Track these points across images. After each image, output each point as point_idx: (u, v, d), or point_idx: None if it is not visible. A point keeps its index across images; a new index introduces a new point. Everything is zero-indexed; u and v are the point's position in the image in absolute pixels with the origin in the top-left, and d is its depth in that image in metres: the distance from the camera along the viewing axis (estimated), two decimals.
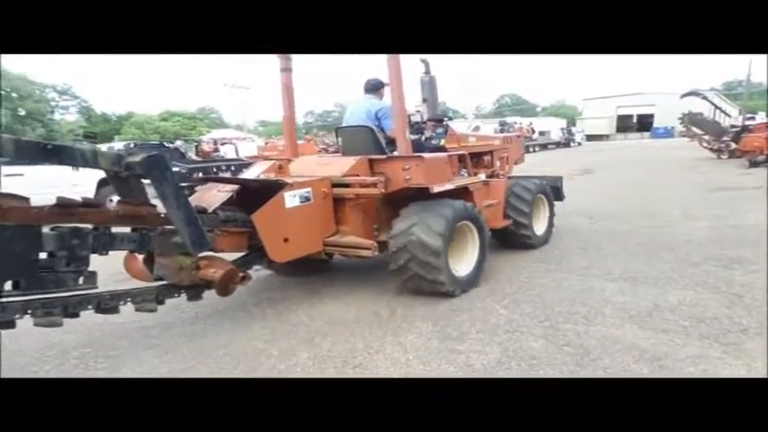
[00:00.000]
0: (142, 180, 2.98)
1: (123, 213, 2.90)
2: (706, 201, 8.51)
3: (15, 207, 2.43)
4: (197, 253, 3.13)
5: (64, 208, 2.63)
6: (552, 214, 5.91)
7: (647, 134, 52.36)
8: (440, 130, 4.89)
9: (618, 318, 3.41)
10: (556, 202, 6.04)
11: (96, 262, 2.80)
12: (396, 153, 4.30)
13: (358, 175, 4.02)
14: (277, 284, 4.49)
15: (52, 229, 2.60)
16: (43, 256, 2.57)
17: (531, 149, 29.06)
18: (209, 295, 3.63)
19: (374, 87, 4.80)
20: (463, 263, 4.18)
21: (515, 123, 34.52)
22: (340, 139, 4.92)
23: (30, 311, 2.53)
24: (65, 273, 2.61)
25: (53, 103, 47.56)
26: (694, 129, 19.11)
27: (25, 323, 2.56)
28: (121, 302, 2.96)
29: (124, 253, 3.13)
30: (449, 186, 4.12)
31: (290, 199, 3.64)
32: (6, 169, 7.45)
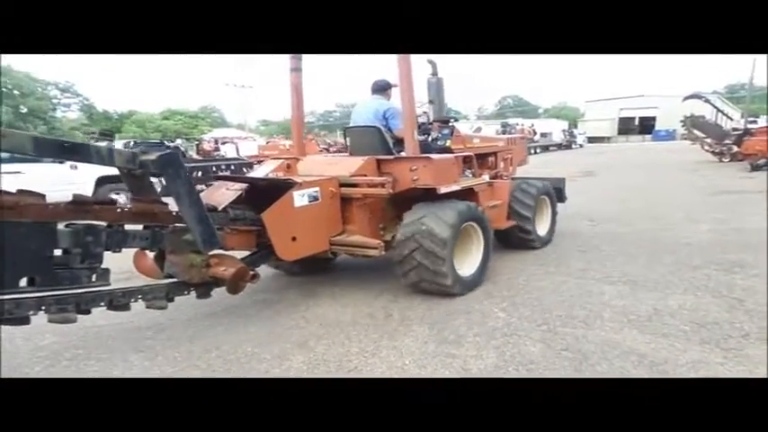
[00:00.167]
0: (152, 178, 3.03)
1: (136, 211, 2.93)
2: (707, 204, 8.46)
3: (32, 204, 2.45)
4: (207, 251, 3.14)
5: (79, 205, 2.66)
6: (555, 215, 5.95)
7: (648, 137, 52.28)
8: (446, 131, 4.91)
9: (617, 322, 3.36)
10: (557, 204, 6.06)
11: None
12: (403, 153, 4.31)
13: (366, 175, 4.04)
14: (272, 286, 4.45)
15: (67, 226, 2.61)
16: (57, 252, 2.59)
17: (532, 151, 28.99)
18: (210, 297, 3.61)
19: (381, 88, 4.79)
20: (467, 263, 4.19)
21: (517, 125, 34.52)
22: (348, 138, 4.93)
23: (44, 308, 2.54)
24: (79, 269, 2.64)
25: (55, 101, 47.64)
26: (696, 132, 19.04)
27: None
28: (133, 299, 2.98)
29: (128, 252, 3.09)
30: (455, 187, 4.14)
31: (299, 198, 3.66)
32: (4, 167, 7.42)
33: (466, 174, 4.64)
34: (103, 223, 2.76)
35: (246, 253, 3.75)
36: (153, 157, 2.85)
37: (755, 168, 13.99)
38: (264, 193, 3.61)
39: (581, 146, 41.41)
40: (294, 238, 3.65)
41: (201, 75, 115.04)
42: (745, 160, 15.00)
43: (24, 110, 39.94)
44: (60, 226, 2.58)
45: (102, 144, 2.80)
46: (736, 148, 16.48)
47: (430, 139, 4.93)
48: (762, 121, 27.17)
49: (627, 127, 57.72)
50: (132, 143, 14.41)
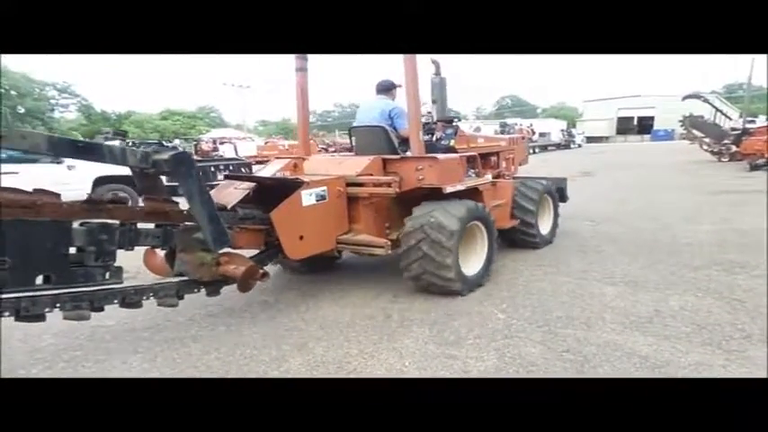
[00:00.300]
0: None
1: (148, 210, 2.97)
2: (707, 204, 8.45)
3: (48, 203, 2.50)
4: (218, 249, 3.17)
5: (94, 204, 2.72)
6: (557, 215, 5.97)
7: (647, 136, 52.35)
8: (449, 131, 4.94)
9: (618, 323, 3.34)
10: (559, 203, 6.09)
11: None
12: (408, 153, 4.34)
13: (372, 175, 4.07)
14: (271, 287, 4.41)
15: (81, 225, 2.65)
16: (72, 251, 2.63)
17: (531, 151, 28.92)
18: (203, 299, 3.58)
19: (386, 88, 4.81)
20: (472, 263, 4.21)
21: (516, 125, 34.49)
22: (353, 138, 4.95)
23: (58, 305, 2.56)
24: (93, 267, 2.69)
25: (53, 101, 47.54)
26: (695, 131, 19.07)
27: (7, 321, 2.49)
28: (144, 297, 3.00)
29: (134, 250, 3.08)
30: (460, 187, 4.17)
31: (307, 197, 3.68)
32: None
33: (469, 173, 4.65)
34: (116, 222, 2.80)
35: (254, 252, 3.76)
36: (166, 156, 2.89)
37: (754, 168, 14.00)
38: (272, 193, 3.65)
39: (579, 146, 41.43)
40: (302, 237, 3.67)
41: (199, 75, 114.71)
42: (744, 160, 15.01)
43: (22, 110, 39.80)
44: (75, 224, 2.63)
45: (116, 144, 2.83)
46: (734, 148, 16.51)
47: (434, 138, 4.95)
48: (760, 121, 27.20)
49: (625, 127, 57.77)
50: (130, 144, 14.36)
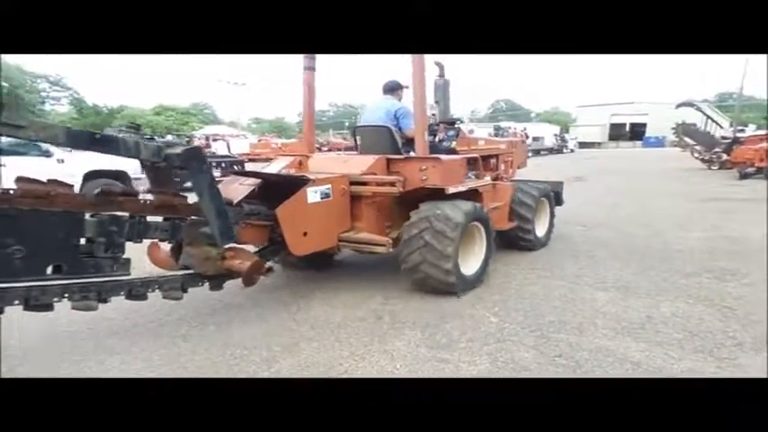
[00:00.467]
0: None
1: (158, 203, 3.01)
2: (698, 211, 8.50)
3: (62, 194, 2.54)
4: (224, 244, 3.21)
5: (106, 196, 2.77)
6: (553, 218, 6.05)
7: (638, 143, 52.77)
8: (451, 133, 5.01)
9: (610, 329, 3.33)
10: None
11: None
12: (412, 153, 4.41)
13: (375, 174, 4.11)
14: (262, 286, 4.34)
15: (92, 216, 2.69)
16: (82, 241, 2.67)
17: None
18: (192, 297, 3.54)
19: (392, 88, 4.86)
20: (470, 263, 4.25)
21: (510, 128, 34.63)
22: (358, 137, 5.00)
23: (67, 295, 2.61)
24: (103, 258, 2.72)
25: (44, 94, 46.98)
26: (687, 139, 19.24)
27: None
28: (150, 290, 3.05)
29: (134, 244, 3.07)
30: (462, 188, 4.22)
31: (312, 195, 3.72)
32: None
33: (469, 175, 4.70)
34: (126, 214, 2.84)
35: (255, 248, 3.79)
36: (178, 150, 2.94)
37: (744, 177, 14.15)
38: (276, 189, 3.70)
39: (572, 151, 41.64)
40: (305, 234, 3.71)
41: (194, 71, 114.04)
42: (734, 168, 15.15)
43: None
44: (86, 216, 2.67)
45: (130, 137, 2.85)
46: (725, 156, 16.64)
47: (437, 140, 4.99)
48: (749, 130, 27.51)
49: (618, 133, 58.21)
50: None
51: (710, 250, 5.51)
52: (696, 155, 18.80)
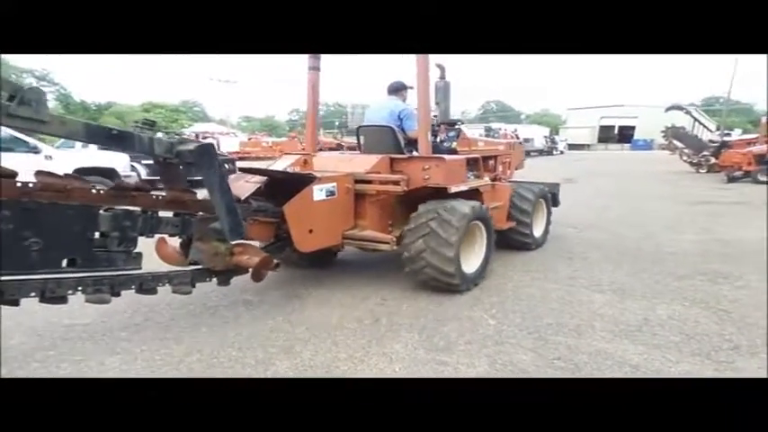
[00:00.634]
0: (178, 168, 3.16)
1: (169, 199, 3.05)
2: (688, 214, 8.58)
3: (78, 188, 2.58)
4: (233, 240, 3.22)
5: (120, 191, 2.81)
6: (549, 218, 6.14)
7: (627, 145, 53.32)
8: (452, 134, 5.09)
9: (608, 331, 3.33)
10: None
11: None
12: (415, 153, 4.49)
13: (379, 173, 4.17)
14: (253, 286, 4.28)
15: (106, 210, 2.72)
16: (95, 235, 2.70)
17: None
18: (183, 298, 3.49)
19: (396, 89, 4.92)
20: (471, 261, 4.29)
21: (500, 129, 34.75)
22: (362, 137, 5.05)
23: (80, 288, 2.64)
24: (116, 252, 2.75)
25: None
26: (676, 142, 19.45)
27: None
28: (160, 284, 3.08)
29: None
30: (464, 187, 4.31)
31: (318, 192, 3.77)
32: None
33: (468, 175, 4.74)
34: (139, 209, 2.88)
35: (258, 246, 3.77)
36: (190, 147, 2.97)
37: (732, 180, 14.32)
38: (282, 187, 3.76)
39: (562, 152, 41.94)
40: (311, 231, 3.76)
41: (184, 68, 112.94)
42: (722, 172, 15.33)
43: None
44: (101, 210, 2.71)
45: (145, 133, 2.84)
46: (713, 160, 16.84)
47: (438, 140, 5.03)
48: (735, 134, 27.92)
49: (607, 135, 58.78)
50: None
51: (702, 253, 5.55)
52: (685, 158, 19.03)
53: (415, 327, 3.42)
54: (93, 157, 9.21)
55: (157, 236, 3.16)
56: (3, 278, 2.37)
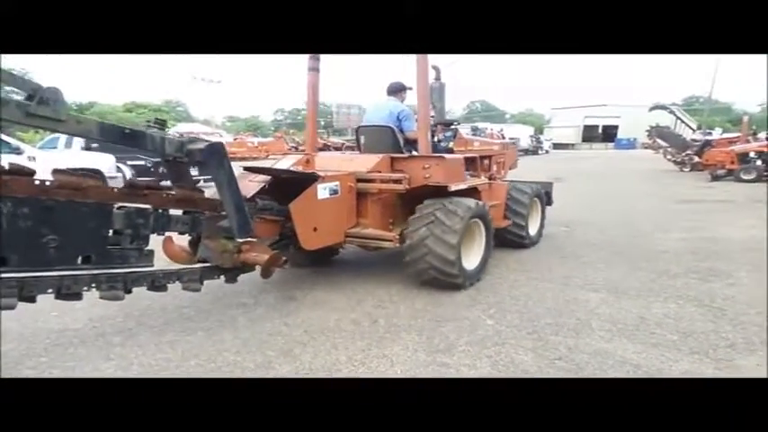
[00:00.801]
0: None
1: (180, 197, 3.09)
2: (674, 212, 8.70)
3: (94, 186, 2.60)
4: (241, 237, 3.25)
5: (133, 189, 2.86)
6: (544, 217, 6.22)
7: (611, 144, 53.97)
8: (449, 134, 5.15)
9: (606, 330, 3.34)
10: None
11: None
12: (414, 153, 4.58)
13: (381, 172, 4.23)
14: (248, 289, 4.23)
15: (119, 208, 2.75)
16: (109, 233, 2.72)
17: None
18: (175, 302, 3.43)
19: (396, 90, 4.98)
20: (470, 259, 4.35)
21: (486, 129, 34.85)
22: (362, 137, 5.08)
23: (94, 285, 2.66)
24: (129, 250, 2.78)
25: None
26: (660, 141, 19.73)
27: None
28: (171, 282, 3.10)
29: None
30: (464, 186, 4.37)
31: (322, 191, 3.83)
32: None
33: (465, 175, 4.77)
34: (151, 207, 2.90)
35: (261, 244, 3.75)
36: (200, 146, 3.00)
37: (715, 178, 14.56)
38: (286, 186, 3.83)
39: (547, 152, 42.28)
40: (315, 229, 3.81)
41: (166, 67, 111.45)
42: (706, 170, 15.58)
43: None
44: (114, 208, 2.73)
45: (156, 132, 2.83)
46: (697, 159, 17.11)
47: (435, 140, 5.06)
48: (716, 133, 28.43)
49: (591, 134, 59.37)
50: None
51: (693, 251, 5.62)
52: (669, 157, 19.31)
53: (413, 328, 3.40)
54: (76, 157, 9.06)
55: (164, 235, 3.17)
56: (21, 275, 2.37)
